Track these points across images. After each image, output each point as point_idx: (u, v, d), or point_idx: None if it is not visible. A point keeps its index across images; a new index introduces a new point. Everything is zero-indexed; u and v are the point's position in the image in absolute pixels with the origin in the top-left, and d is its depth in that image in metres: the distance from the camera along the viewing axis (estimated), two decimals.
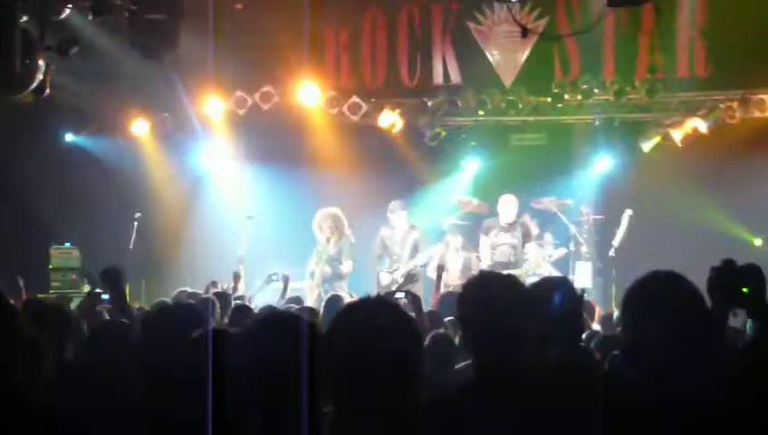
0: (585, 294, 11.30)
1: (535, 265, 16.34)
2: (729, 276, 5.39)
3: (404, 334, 3.99)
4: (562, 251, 16.73)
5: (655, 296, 4.77)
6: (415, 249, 17.02)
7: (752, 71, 16.70)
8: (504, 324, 4.82)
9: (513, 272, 16.02)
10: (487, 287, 5.00)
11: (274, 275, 12.99)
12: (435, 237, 17.48)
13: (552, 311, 5.60)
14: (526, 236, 16.70)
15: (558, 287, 5.97)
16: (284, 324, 4.41)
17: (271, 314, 4.71)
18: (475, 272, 16.17)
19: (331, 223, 17.00)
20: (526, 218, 16.95)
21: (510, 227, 16.69)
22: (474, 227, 17.39)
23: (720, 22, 16.94)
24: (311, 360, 3.96)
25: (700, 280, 5.57)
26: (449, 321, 9.27)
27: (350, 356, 3.93)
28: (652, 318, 4.69)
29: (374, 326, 3.97)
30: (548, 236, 17.08)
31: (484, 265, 16.68)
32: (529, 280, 15.61)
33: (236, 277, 14.88)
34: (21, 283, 14.92)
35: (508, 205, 16.71)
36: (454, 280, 16.25)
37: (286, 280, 13.28)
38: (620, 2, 13.54)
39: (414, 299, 9.54)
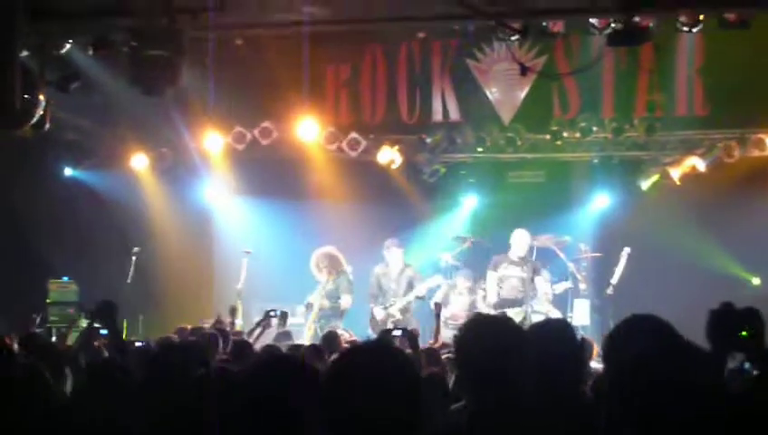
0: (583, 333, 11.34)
1: (540, 302, 16.43)
2: (728, 320, 5.37)
3: (404, 383, 3.97)
4: (566, 285, 16.76)
5: (634, 339, 4.72)
6: (410, 286, 17.05)
7: (750, 110, 16.74)
8: (498, 369, 4.82)
9: (516, 310, 16.08)
10: (482, 331, 5.00)
11: (272, 312, 12.98)
12: (432, 271, 17.51)
13: (551, 355, 5.57)
14: (536, 271, 16.72)
15: (558, 330, 5.94)
16: (284, 366, 4.42)
17: (271, 355, 4.72)
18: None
19: (328, 262, 17.05)
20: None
21: (521, 262, 16.74)
22: (473, 265, 17.42)
23: (719, 61, 16.99)
24: (310, 404, 3.96)
25: (698, 319, 5.57)
26: (447, 358, 9.26)
27: (349, 403, 3.92)
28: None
29: (374, 374, 3.95)
30: (545, 274, 17.09)
31: (491, 300, 16.71)
32: (533, 317, 15.73)
33: (233, 312, 14.91)
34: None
35: (521, 239, 16.79)
36: (459, 321, 16.22)
37: (284, 316, 13.28)
38: (620, 41, 13.60)
39: (411, 336, 9.53)
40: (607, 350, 4.82)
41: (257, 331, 12.43)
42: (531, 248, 16.95)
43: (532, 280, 16.72)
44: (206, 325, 14.02)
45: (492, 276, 16.88)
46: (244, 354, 9.17)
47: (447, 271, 17.47)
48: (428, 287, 16.85)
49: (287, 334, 13.49)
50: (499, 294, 16.81)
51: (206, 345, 8.50)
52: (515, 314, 15.92)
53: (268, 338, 12.93)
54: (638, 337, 4.69)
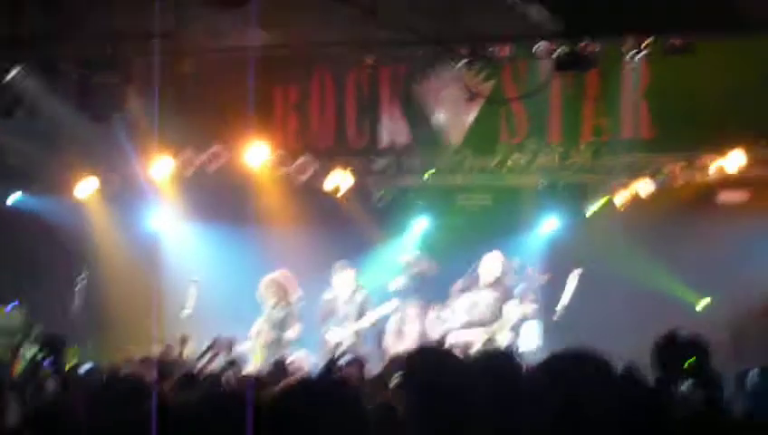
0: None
1: (503, 324, 16.46)
2: (673, 348, 5.41)
3: (350, 419, 3.96)
4: (532, 307, 16.79)
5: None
6: (362, 310, 17.02)
7: (695, 134, 16.85)
8: (445, 400, 4.82)
9: (481, 331, 16.10)
10: (427, 364, 5.00)
11: (218, 340, 12.93)
12: (382, 297, 17.47)
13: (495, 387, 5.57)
14: (508, 294, 16.72)
15: (497, 360, 5.94)
16: (228, 404, 4.39)
17: (213, 392, 4.70)
18: (435, 336, 16.24)
19: (275, 289, 16.96)
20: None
21: (492, 285, 16.69)
22: (423, 289, 17.42)
23: (664, 85, 17.10)
24: None
25: (646, 341, 5.60)
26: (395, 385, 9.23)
27: None
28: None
29: (318, 410, 3.94)
30: (515, 300, 17.08)
31: (458, 322, 16.67)
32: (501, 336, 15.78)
33: (183, 341, 14.81)
34: None
35: (493, 262, 16.74)
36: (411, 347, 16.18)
37: (230, 343, 13.22)
38: (567, 66, 13.71)
39: (357, 364, 9.52)
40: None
41: (205, 359, 12.37)
42: (505, 269, 16.90)
43: (502, 305, 16.72)
44: (155, 353, 13.95)
45: (460, 301, 16.84)
46: (190, 385, 9.10)
47: (398, 296, 17.45)
48: (381, 314, 16.82)
49: (234, 363, 13.41)
50: (468, 315, 16.79)
51: (151, 376, 8.42)
52: (480, 335, 16.02)
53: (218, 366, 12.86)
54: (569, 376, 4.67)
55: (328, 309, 17.24)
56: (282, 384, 4.16)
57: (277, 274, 17.14)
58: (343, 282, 17.18)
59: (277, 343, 16.80)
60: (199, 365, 12.06)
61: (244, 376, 11.46)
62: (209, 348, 12.71)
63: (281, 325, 16.91)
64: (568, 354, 4.74)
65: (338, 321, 17.10)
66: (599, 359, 4.71)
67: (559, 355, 4.76)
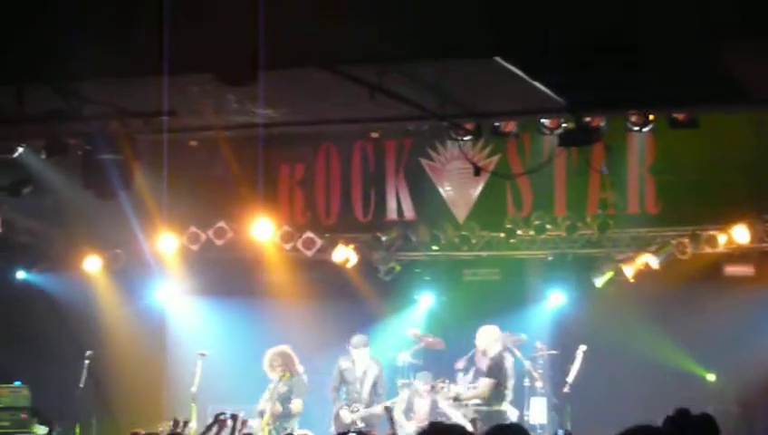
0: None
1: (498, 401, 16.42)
2: (683, 427, 5.37)
3: None
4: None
5: None
6: (374, 388, 16.93)
7: (701, 207, 16.90)
8: None
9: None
10: None
11: (222, 415, 12.85)
12: (389, 371, 17.41)
13: None
14: (505, 373, 16.35)
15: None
16: None
17: None
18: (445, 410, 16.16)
19: (281, 361, 16.87)
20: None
21: (491, 362, 16.36)
22: (432, 364, 17.39)
23: (669, 159, 17.19)
24: None
25: (656, 416, 5.55)
26: None
27: None
28: None
29: None
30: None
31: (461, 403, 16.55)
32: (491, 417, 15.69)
33: (184, 424, 14.65)
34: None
35: (490, 336, 16.47)
36: (422, 423, 16.13)
37: (235, 419, 13.12)
38: (571, 141, 13.72)
39: None
40: None
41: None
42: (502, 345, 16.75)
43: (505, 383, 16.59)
44: (162, 430, 13.90)
45: (462, 380, 16.82)
46: None
47: (405, 371, 17.39)
48: (394, 402, 16.70)
49: None
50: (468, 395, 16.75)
51: None
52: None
53: None
54: None
55: (341, 378, 17.12)
56: None
57: (282, 347, 17.07)
58: (360, 356, 17.08)
59: (284, 416, 16.69)
60: None
61: None
62: (212, 424, 12.63)
63: (285, 399, 16.81)
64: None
65: (349, 393, 16.99)
66: None
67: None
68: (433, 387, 16.79)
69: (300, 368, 16.97)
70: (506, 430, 6.42)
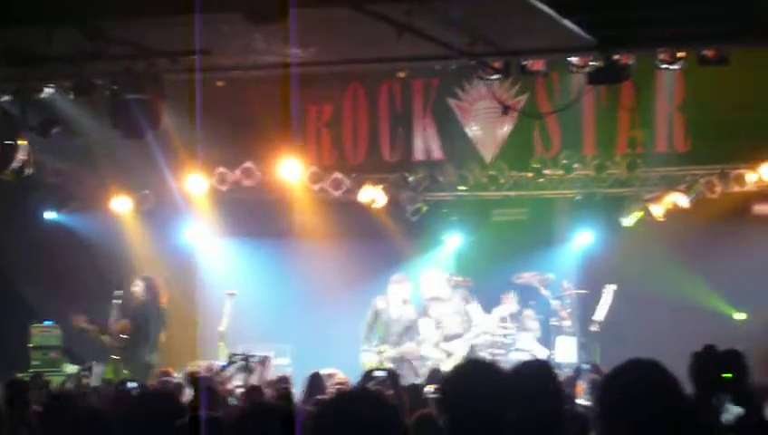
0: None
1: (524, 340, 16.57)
2: (711, 362, 5.37)
3: (389, 430, 3.97)
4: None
5: (634, 387, 4.62)
6: (406, 331, 16.99)
7: (730, 145, 16.81)
8: (485, 414, 4.82)
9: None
10: (466, 380, 5.01)
11: (235, 357, 12.95)
12: (420, 310, 17.48)
13: (530, 399, 5.57)
14: (466, 300, 17.07)
15: (536, 374, 5.94)
16: (268, 415, 4.41)
17: (255, 405, 4.73)
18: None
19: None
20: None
21: (448, 297, 17.11)
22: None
23: (698, 97, 17.07)
24: None
25: (684, 356, 5.56)
26: (434, 399, 9.24)
27: None
28: (630, 409, 4.56)
29: (359, 423, 3.95)
30: (529, 312, 17.12)
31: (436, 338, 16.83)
32: (516, 355, 15.84)
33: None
34: None
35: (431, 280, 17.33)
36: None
37: (265, 360, 13.22)
38: (600, 79, 13.68)
39: (393, 377, 9.52)
40: (604, 397, 4.75)
41: (228, 372, 12.41)
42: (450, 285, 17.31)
43: (466, 311, 16.86)
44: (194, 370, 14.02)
45: (427, 322, 17.01)
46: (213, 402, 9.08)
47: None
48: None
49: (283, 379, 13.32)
50: (442, 332, 16.91)
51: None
52: (459, 347, 16.16)
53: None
54: (638, 390, 4.60)
55: (375, 317, 17.21)
56: (321, 398, 4.17)
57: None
58: (399, 295, 17.14)
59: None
60: (221, 377, 12.11)
61: (284, 389, 11.48)
62: (230, 362, 12.74)
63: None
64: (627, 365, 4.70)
65: (382, 334, 17.08)
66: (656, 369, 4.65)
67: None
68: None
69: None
70: (532, 365, 6.46)
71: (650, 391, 4.53)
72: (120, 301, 17.51)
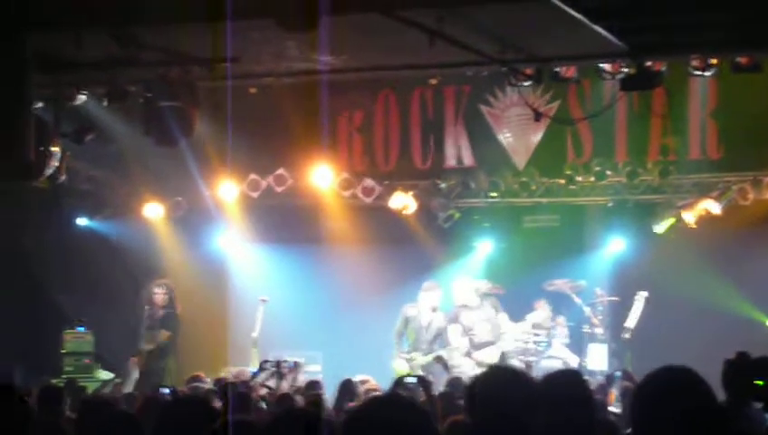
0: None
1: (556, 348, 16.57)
2: (743, 369, 5.35)
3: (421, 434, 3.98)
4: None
5: (666, 393, 4.62)
6: (436, 338, 17.00)
7: (764, 152, 16.72)
8: (511, 423, 4.82)
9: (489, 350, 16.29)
10: (495, 385, 5.01)
11: (266, 363, 12.97)
12: (447, 319, 17.48)
13: (562, 406, 5.55)
14: (497, 309, 17.12)
15: (569, 382, 5.93)
16: (301, 421, 4.43)
17: (288, 409, 4.76)
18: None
19: None
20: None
21: (478, 305, 17.11)
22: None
23: (731, 104, 17.00)
24: None
25: (716, 363, 5.54)
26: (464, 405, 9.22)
27: None
28: (663, 416, 4.56)
29: (391, 428, 3.96)
30: (561, 319, 17.09)
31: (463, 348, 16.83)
32: (548, 362, 15.82)
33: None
34: None
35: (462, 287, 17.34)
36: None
37: (297, 367, 13.23)
38: (633, 86, 13.64)
39: (425, 384, 9.50)
40: (636, 404, 4.73)
41: (259, 378, 12.43)
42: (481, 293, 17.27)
43: (496, 320, 17.05)
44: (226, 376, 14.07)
45: (456, 328, 16.99)
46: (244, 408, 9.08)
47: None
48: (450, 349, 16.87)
49: (312, 385, 13.33)
50: (471, 340, 16.88)
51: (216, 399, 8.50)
52: (490, 355, 16.13)
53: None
54: (670, 396, 4.59)
55: (405, 324, 17.22)
56: (354, 405, 4.18)
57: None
58: (428, 302, 17.15)
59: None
60: (252, 383, 12.13)
61: (315, 395, 11.49)
62: (261, 369, 12.77)
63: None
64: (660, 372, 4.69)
65: (412, 341, 17.09)
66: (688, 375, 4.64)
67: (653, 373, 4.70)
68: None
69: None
70: (565, 374, 6.46)
71: (683, 397, 4.52)
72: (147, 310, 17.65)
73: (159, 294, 17.70)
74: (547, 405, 5.05)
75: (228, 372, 15.41)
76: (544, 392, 5.24)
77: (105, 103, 14.51)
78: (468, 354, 16.83)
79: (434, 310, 17.14)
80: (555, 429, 5.14)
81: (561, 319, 17.10)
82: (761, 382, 5.34)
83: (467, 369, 16.27)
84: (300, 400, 11.24)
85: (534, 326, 16.95)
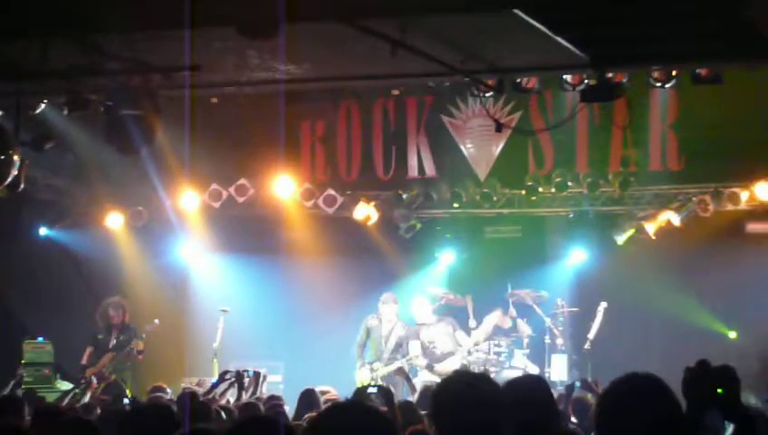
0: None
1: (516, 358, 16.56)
2: (704, 377, 5.36)
3: None
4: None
5: (633, 400, 4.63)
6: (397, 348, 17.00)
7: (724, 164, 16.83)
8: (476, 426, 4.81)
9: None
10: (459, 391, 5.00)
11: (227, 374, 12.91)
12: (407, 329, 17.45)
13: (525, 410, 5.57)
14: (454, 327, 17.06)
15: (532, 386, 5.97)
16: (262, 426, 4.40)
17: (251, 416, 4.73)
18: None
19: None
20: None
21: (437, 321, 17.07)
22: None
23: (692, 116, 17.10)
24: None
25: (676, 372, 5.55)
26: (426, 414, 9.21)
27: None
28: (629, 425, 4.57)
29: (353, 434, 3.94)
30: (521, 324, 17.04)
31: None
32: (509, 373, 15.80)
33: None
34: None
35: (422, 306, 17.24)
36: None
37: (258, 377, 13.16)
38: (593, 97, 13.66)
39: (386, 393, 9.47)
40: (602, 410, 4.74)
41: (219, 389, 12.37)
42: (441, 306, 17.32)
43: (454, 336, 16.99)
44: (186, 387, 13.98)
45: (417, 345, 16.99)
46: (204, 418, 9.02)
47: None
48: (410, 360, 16.82)
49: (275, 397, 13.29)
50: (433, 353, 16.89)
51: (178, 408, 8.44)
52: (452, 367, 16.20)
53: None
54: (637, 403, 4.61)
55: (367, 335, 17.22)
56: (314, 412, 4.16)
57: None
58: (388, 314, 17.15)
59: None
60: (212, 394, 12.07)
61: (276, 403, 11.44)
62: (221, 379, 12.70)
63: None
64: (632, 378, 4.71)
65: (374, 352, 17.07)
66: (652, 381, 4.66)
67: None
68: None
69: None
70: (526, 378, 6.46)
71: (649, 404, 4.54)
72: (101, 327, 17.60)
73: (114, 315, 17.62)
74: (510, 408, 5.05)
75: (189, 383, 15.33)
76: (505, 394, 5.24)
77: (66, 112, 14.39)
78: (430, 368, 16.79)
79: (393, 321, 17.14)
80: (519, 432, 5.14)
81: (524, 326, 17.06)
82: (721, 390, 5.36)
83: (429, 380, 16.27)
84: (261, 410, 11.18)
85: (495, 328, 16.90)
